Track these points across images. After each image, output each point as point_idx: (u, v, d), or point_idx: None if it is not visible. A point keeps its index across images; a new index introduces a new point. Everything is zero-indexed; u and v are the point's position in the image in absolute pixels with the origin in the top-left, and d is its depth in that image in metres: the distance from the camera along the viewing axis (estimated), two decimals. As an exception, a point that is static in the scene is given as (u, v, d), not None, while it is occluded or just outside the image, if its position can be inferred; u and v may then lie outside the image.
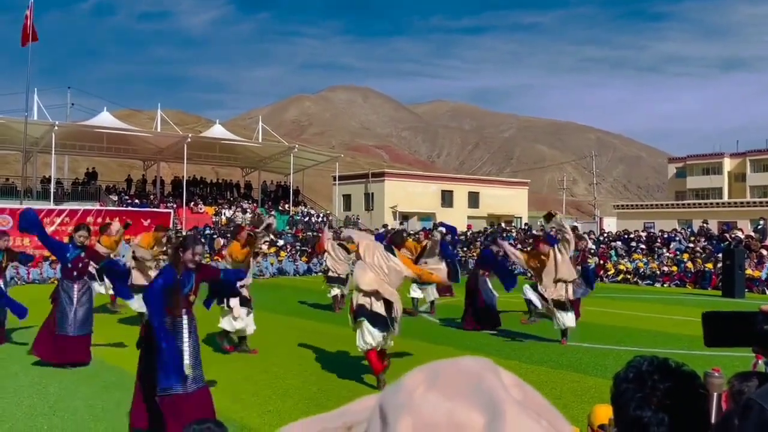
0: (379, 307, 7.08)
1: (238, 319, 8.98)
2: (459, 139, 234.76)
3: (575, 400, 6.64)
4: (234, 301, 8.77)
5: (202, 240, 7.59)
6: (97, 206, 28.11)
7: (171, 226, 24.81)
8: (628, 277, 24.05)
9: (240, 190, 40.85)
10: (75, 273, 8.48)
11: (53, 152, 30.73)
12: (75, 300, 8.36)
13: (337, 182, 42.95)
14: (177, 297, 5.26)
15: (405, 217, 41.41)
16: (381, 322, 7.06)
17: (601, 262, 25.66)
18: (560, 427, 0.51)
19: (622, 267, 24.81)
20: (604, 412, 3.01)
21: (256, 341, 10.14)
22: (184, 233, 26.98)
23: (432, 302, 13.64)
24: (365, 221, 38.61)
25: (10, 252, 10.37)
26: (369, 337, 7.05)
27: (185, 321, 5.35)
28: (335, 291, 13.80)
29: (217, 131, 38.40)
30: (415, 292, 13.28)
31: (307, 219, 36.48)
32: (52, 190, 31.11)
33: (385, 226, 35.19)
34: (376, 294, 7.07)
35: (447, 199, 44.66)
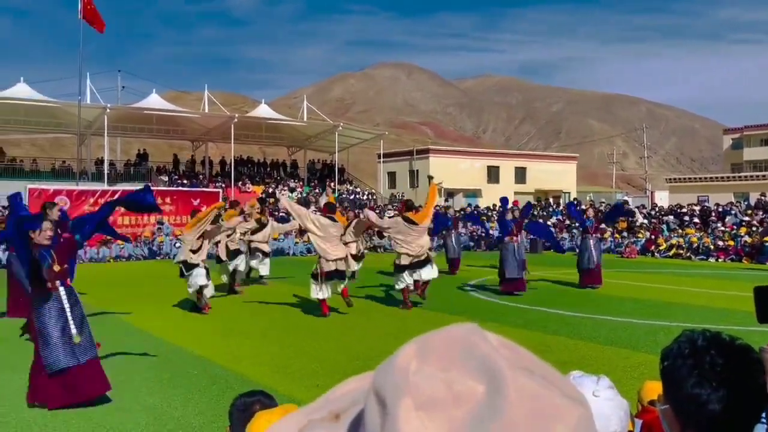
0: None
1: (202, 278, 10.59)
2: (505, 114, 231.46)
3: (625, 376, 6.54)
4: (198, 271, 10.61)
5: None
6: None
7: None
8: (681, 252, 23.47)
9: (286, 168, 41.25)
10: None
11: (106, 135, 31.53)
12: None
13: (381, 160, 43.01)
14: (41, 274, 5.62)
15: (450, 193, 41.19)
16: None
17: (653, 236, 25.10)
18: (553, 379, 0.51)
19: (674, 242, 24.22)
20: (654, 388, 2.95)
21: (301, 317, 10.30)
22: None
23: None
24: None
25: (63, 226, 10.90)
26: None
27: (63, 293, 5.71)
28: (353, 266, 14.52)
29: (263, 111, 38.74)
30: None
31: (352, 197, 36.65)
32: (105, 172, 31.99)
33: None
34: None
35: (493, 175, 44.19)
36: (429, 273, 11.31)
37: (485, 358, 0.49)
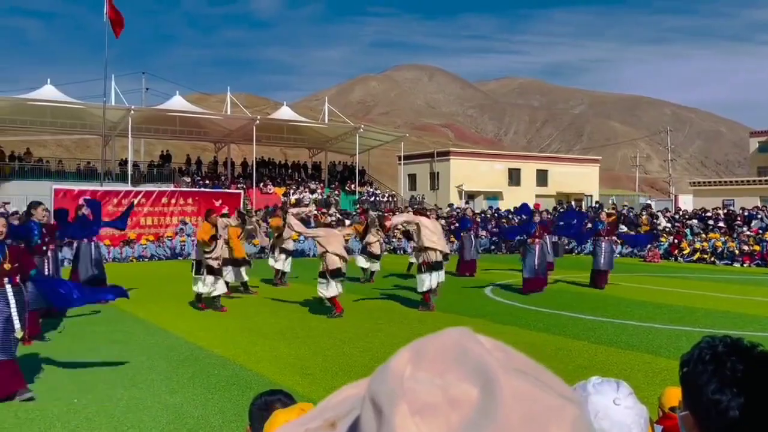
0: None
1: (207, 284, 10.98)
2: (527, 116, 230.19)
3: (646, 381, 6.47)
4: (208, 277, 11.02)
5: (6, 213, 8.35)
6: (171, 187, 29.08)
7: (242, 206, 25.44)
8: (705, 256, 23.14)
9: (307, 170, 41.42)
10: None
11: (130, 136, 31.90)
12: None
13: (402, 162, 42.98)
14: None
15: (471, 196, 41.05)
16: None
17: (676, 241, 24.79)
18: (546, 379, 0.51)
19: (698, 246, 23.89)
20: (675, 395, 2.91)
21: (322, 318, 10.33)
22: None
23: (372, 273, 15.35)
24: (430, 201, 38.51)
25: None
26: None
27: (9, 290, 5.89)
28: (375, 266, 15.43)
29: (285, 113, 38.95)
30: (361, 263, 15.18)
31: (373, 199, 36.69)
32: (129, 173, 32.36)
33: (450, 205, 35.00)
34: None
35: (514, 177, 43.93)
36: (441, 276, 11.42)
37: (479, 361, 0.49)
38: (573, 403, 0.49)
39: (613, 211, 31.36)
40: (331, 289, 10.48)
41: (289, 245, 14.55)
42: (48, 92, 31.20)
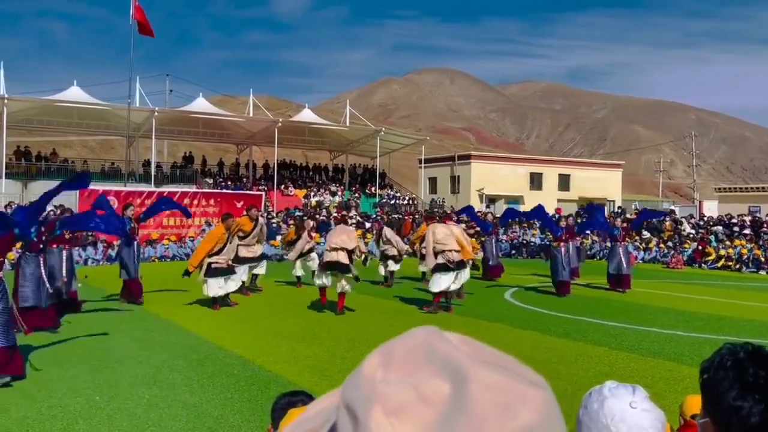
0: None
1: (213, 287, 11.17)
2: (549, 120, 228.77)
3: (668, 389, 6.39)
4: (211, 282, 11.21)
5: None
6: (193, 188, 29.36)
7: (263, 208, 25.60)
8: (730, 263, 22.80)
9: (328, 173, 41.56)
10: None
11: (153, 137, 32.27)
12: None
13: (422, 165, 42.94)
14: None
15: (491, 200, 40.89)
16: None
17: (700, 247, 24.46)
18: (515, 369, 0.52)
19: (723, 253, 23.55)
20: (697, 402, 2.87)
21: (342, 320, 10.35)
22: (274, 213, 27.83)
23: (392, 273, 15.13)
24: (451, 204, 38.43)
25: (139, 222, 11.81)
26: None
27: None
28: (393, 267, 15.37)
29: (306, 115, 39.16)
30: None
31: (393, 202, 36.70)
32: (152, 173, 32.74)
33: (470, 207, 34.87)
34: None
35: (536, 181, 43.69)
36: (463, 277, 11.49)
37: (447, 357, 0.50)
38: (541, 388, 0.51)
39: (636, 217, 31.04)
40: (318, 280, 11.10)
41: (305, 248, 14.49)
42: (74, 94, 31.68)
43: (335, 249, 10.71)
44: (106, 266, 20.25)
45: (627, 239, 16.37)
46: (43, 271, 8.89)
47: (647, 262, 25.44)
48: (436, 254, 10.97)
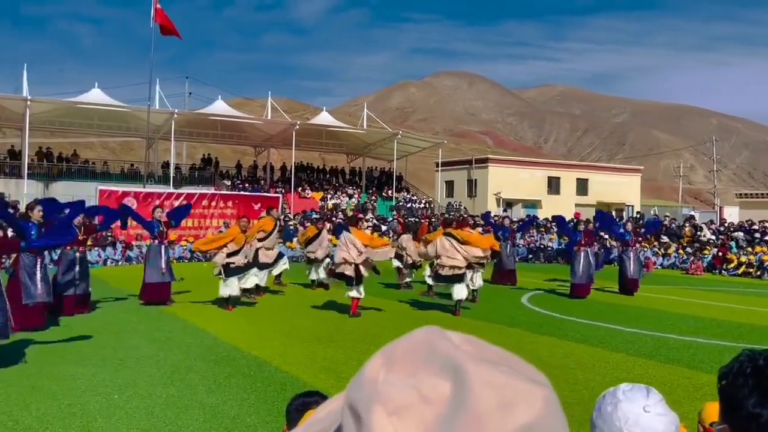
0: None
1: (230, 287, 11.27)
2: (567, 124, 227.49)
3: (687, 396, 6.33)
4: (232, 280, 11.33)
5: None
6: (212, 190, 29.57)
7: (280, 210, 25.72)
8: (750, 270, 22.52)
9: (345, 175, 41.66)
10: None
11: (173, 139, 32.56)
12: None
13: (439, 168, 42.89)
14: None
15: (509, 204, 40.72)
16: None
17: (720, 253, 24.17)
18: (516, 366, 0.52)
19: (743, 259, 23.26)
20: (716, 410, 2.85)
21: (358, 323, 10.37)
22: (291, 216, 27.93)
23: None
24: (468, 208, 38.33)
25: (167, 224, 11.92)
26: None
27: None
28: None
29: (324, 118, 39.29)
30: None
31: (409, 205, 36.70)
32: (171, 175, 33.02)
33: (487, 213, 34.77)
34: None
35: (554, 185, 43.46)
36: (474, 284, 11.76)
37: (448, 356, 0.50)
38: (542, 385, 0.51)
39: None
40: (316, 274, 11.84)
41: (318, 254, 14.38)
42: (96, 96, 32.06)
43: (342, 263, 10.87)
44: (125, 266, 20.46)
45: (639, 244, 16.84)
46: (38, 270, 9.05)
47: (666, 267, 25.19)
48: (435, 264, 11.41)
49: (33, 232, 9.09)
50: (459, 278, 11.11)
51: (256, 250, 12.49)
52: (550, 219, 32.26)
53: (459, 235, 11.31)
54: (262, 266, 12.91)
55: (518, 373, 0.51)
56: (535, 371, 0.53)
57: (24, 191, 28.05)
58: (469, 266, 11.37)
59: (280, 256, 13.92)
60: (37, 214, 9.56)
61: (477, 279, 13.00)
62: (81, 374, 6.75)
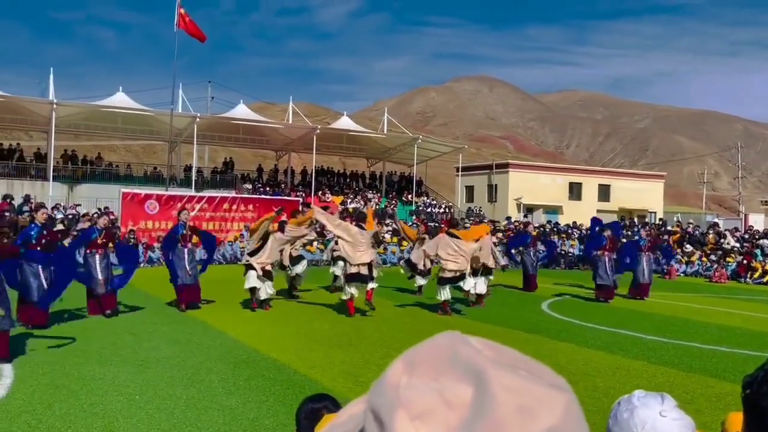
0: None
1: (253, 279, 11.51)
2: (589, 129, 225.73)
3: (709, 406, 6.24)
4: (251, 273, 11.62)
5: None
6: (233, 193, 29.78)
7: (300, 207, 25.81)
8: (776, 279, 22.15)
9: (365, 180, 41.72)
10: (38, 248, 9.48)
11: (195, 143, 32.85)
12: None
13: (460, 173, 42.74)
14: None
15: (529, 209, 40.48)
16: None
17: (745, 261, 23.81)
18: (537, 371, 0.52)
19: (768, 268, 22.89)
20: (739, 419, 2.81)
21: (377, 327, 10.38)
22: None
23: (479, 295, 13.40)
24: (488, 213, 38.18)
25: (194, 228, 12.06)
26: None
27: None
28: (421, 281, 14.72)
29: (345, 123, 39.38)
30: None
31: (429, 210, 36.64)
32: (193, 178, 33.30)
33: (508, 218, 34.62)
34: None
35: (575, 191, 43.10)
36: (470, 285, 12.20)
37: (470, 361, 0.51)
38: (563, 390, 0.51)
39: (677, 229, 30.41)
40: (346, 294, 11.52)
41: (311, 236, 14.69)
42: (120, 99, 32.45)
43: (357, 264, 11.34)
44: (146, 268, 20.66)
45: (652, 250, 17.18)
46: (41, 271, 9.41)
47: (689, 275, 24.88)
48: (433, 262, 12.04)
49: (33, 233, 9.46)
50: (463, 278, 11.90)
51: (281, 251, 12.78)
52: (571, 225, 32.08)
53: (458, 234, 12.24)
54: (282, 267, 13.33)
55: (539, 378, 0.51)
56: (555, 376, 0.53)
57: (49, 193, 28.46)
58: (474, 272, 12.15)
59: (299, 259, 13.92)
60: (41, 216, 9.87)
61: (480, 285, 13.20)
62: (103, 375, 6.83)
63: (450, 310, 12.02)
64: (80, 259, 10.63)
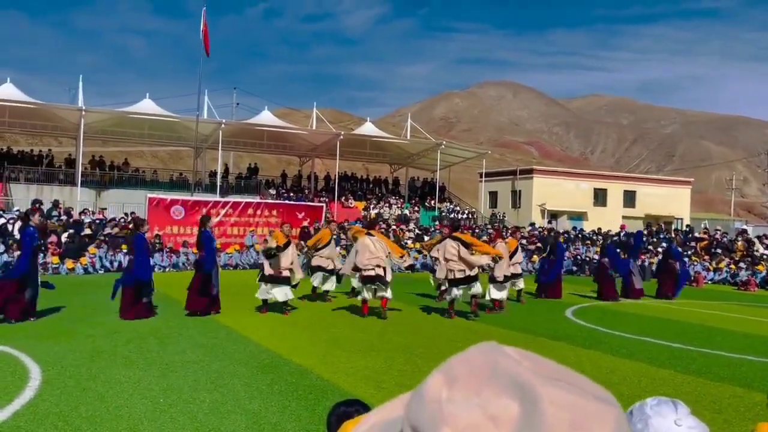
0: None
1: (266, 292, 11.77)
2: (615, 134, 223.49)
3: (737, 416, 6.13)
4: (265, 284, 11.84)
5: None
6: (257, 199, 29.99)
7: (323, 220, 25.91)
8: (807, 287, 21.68)
9: (388, 185, 41.76)
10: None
11: (220, 148, 33.18)
12: None
13: (483, 179, 42.58)
14: None
15: (554, 215, 40.17)
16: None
17: (775, 269, 23.34)
18: (581, 384, 0.51)
19: (799, 276, 22.42)
20: (768, 431, 2.76)
21: (399, 333, 10.36)
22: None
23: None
24: (511, 219, 37.96)
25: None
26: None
27: None
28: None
29: (368, 129, 39.49)
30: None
31: (452, 215, 36.52)
32: (218, 184, 33.64)
33: (532, 224, 34.38)
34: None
35: (600, 197, 42.67)
36: (477, 289, 12.07)
37: (512, 374, 0.49)
38: (611, 405, 0.50)
39: (705, 236, 29.95)
40: (360, 296, 11.90)
41: (327, 264, 14.23)
42: (146, 106, 32.91)
43: (370, 267, 11.49)
44: (172, 272, 20.88)
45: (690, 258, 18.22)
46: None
47: (717, 282, 24.46)
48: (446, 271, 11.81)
49: (35, 236, 10.03)
50: (474, 279, 11.76)
51: (309, 260, 13.06)
52: (596, 231, 31.75)
53: (466, 239, 11.97)
54: (317, 269, 13.82)
55: (586, 393, 0.49)
56: (602, 390, 0.52)
57: (78, 198, 28.94)
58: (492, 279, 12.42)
59: (332, 272, 14.02)
60: (36, 219, 10.32)
61: (494, 291, 13.34)
62: (128, 377, 6.91)
63: (454, 312, 12.09)
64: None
